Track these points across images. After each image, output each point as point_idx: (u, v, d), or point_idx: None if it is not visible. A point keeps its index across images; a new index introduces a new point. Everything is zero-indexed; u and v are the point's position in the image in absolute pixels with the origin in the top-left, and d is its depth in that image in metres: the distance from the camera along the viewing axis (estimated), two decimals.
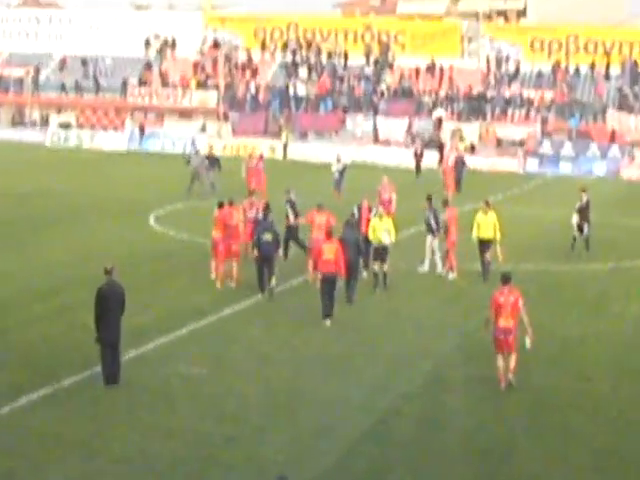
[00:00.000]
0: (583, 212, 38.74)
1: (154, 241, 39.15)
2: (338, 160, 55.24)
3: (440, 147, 72.37)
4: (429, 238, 34.42)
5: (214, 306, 28.73)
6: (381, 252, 31.29)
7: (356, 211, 33.67)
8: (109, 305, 21.27)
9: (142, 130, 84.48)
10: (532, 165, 76.38)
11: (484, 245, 32.94)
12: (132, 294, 22.70)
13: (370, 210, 33.73)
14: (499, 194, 57.30)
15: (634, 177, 73.42)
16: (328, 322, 27.62)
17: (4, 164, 66.25)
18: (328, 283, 27.79)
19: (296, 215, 35.24)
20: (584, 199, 39.09)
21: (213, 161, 54.90)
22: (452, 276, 33.75)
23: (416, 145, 63.14)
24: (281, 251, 32.12)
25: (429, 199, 35.04)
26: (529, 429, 19.99)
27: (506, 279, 22.77)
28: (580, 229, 38.59)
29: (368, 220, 32.97)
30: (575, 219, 38.57)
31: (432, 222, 34.08)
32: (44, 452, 17.74)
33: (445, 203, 35.18)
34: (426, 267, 34.12)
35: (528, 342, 22.38)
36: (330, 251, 27.96)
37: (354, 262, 29.22)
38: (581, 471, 17.99)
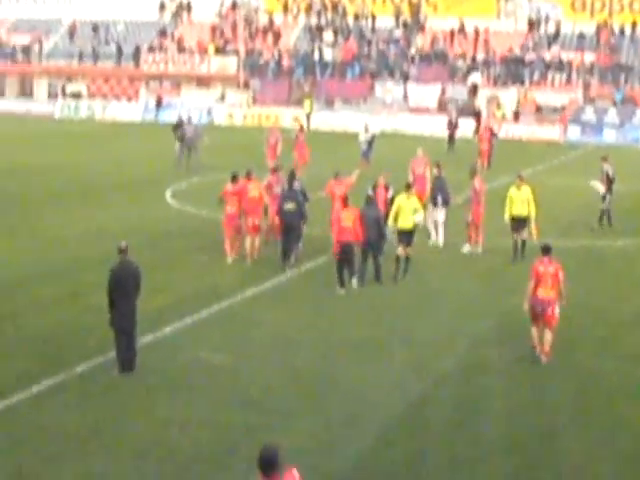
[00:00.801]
0: (608, 183, 38.84)
1: (171, 218, 39.21)
2: (366, 129, 55.35)
3: (477, 115, 72.32)
4: (434, 210, 34.74)
5: (235, 287, 28.74)
6: (407, 235, 30.06)
7: (371, 191, 32.25)
8: (123, 287, 21.19)
9: (159, 102, 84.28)
10: (574, 133, 76.28)
11: (518, 223, 32.18)
12: (148, 275, 22.72)
13: (387, 189, 32.88)
14: (539, 165, 57.29)
15: None
16: (343, 291, 28.53)
17: (11, 138, 66.50)
18: (345, 252, 28.33)
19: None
20: (610, 170, 39.02)
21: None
22: (478, 249, 33.98)
23: (450, 114, 62.41)
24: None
25: (438, 166, 35.56)
26: (573, 415, 20.00)
27: (547, 249, 23.23)
28: (603, 198, 38.69)
29: (385, 202, 32.07)
30: (598, 185, 38.92)
31: (438, 193, 34.54)
32: (55, 445, 17.73)
33: (474, 172, 34.75)
34: (433, 239, 33.98)
35: (557, 310, 22.64)
36: (348, 218, 28.49)
37: (376, 240, 29.08)
38: (630, 461, 17.97)
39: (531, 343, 23.10)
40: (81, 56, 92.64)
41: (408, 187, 30.87)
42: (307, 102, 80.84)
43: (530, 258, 28.25)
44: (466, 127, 69.97)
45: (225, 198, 32.25)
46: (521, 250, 32.13)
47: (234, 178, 32.40)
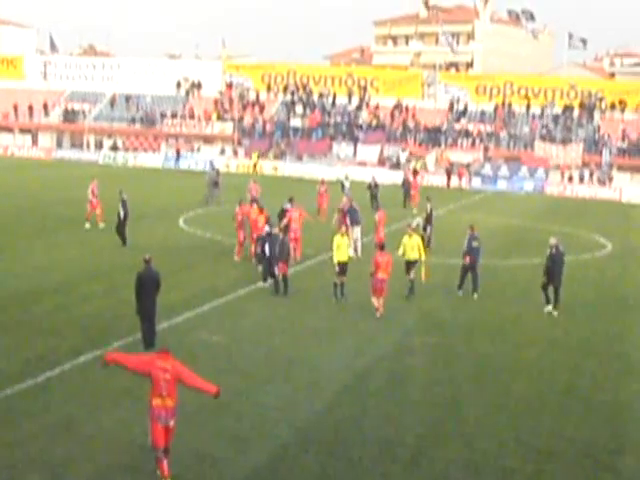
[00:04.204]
0: (428, 217, 38.69)
1: (183, 238, 39.11)
2: (346, 178, 55.46)
3: (414, 173, 69.89)
4: (355, 229, 35.64)
5: (229, 288, 28.70)
6: (344, 266, 27.78)
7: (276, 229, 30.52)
8: (146, 286, 21.30)
9: (178, 153, 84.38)
10: (476, 183, 76.53)
11: (409, 264, 28.47)
12: (166, 278, 22.67)
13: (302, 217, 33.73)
14: (451, 205, 57.52)
15: (555, 193, 73.84)
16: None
17: (66, 178, 66.28)
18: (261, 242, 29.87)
19: (125, 212, 35.99)
20: (428, 208, 39.01)
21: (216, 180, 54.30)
22: None
23: (371, 181, 58.37)
24: None
25: (351, 202, 37.43)
26: (473, 385, 20.08)
27: (382, 246, 26.54)
28: (424, 229, 37.97)
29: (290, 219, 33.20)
30: (418, 221, 37.86)
31: (350, 217, 35.77)
32: (97, 400, 17.73)
33: (376, 208, 37.07)
34: (351, 252, 31.03)
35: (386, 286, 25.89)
36: (261, 220, 31.41)
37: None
38: (512, 417, 18.10)
39: (374, 307, 25.70)
40: (118, 119, 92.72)
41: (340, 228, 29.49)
42: (254, 155, 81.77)
43: (449, 279, 28.47)
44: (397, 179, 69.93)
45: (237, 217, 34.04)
46: (410, 287, 28.62)
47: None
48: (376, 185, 54.51)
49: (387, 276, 25.74)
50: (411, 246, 28.30)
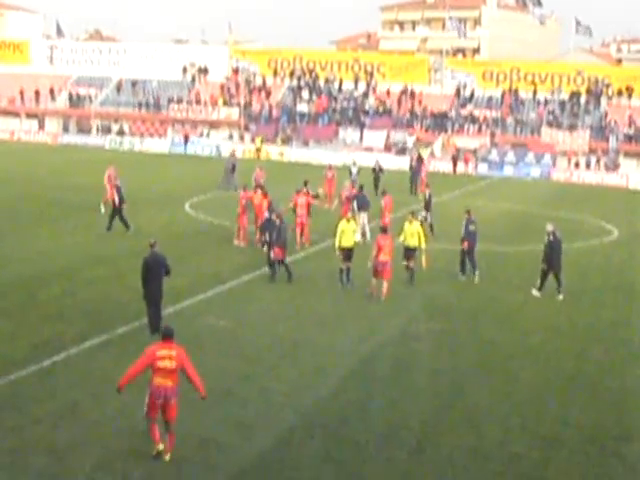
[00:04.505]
0: (427, 204, 38.56)
1: (188, 223, 39.05)
2: (354, 164, 54.73)
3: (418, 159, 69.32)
4: (362, 215, 35.84)
5: (235, 273, 28.67)
6: (349, 252, 27.48)
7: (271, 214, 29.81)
8: (152, 271, 21.22)
9: (186, 138, 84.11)
10: (483, 169, 76.26)
11: (409, 252, 28.17)
12: (170, 263, 22.61)
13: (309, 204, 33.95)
14: (457, 190, 57.43)
15: (562, 179, 73.64)
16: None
17: (74, 163, 66.27)
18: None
19: (120, 198, 35.41)
20: (427, 193, 39.01)
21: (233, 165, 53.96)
22: None
23: (375, 165, 58.33)
24: None
25: (361, 188, 37.65)
26: (478, 371, 20.04)
27: (385, 229, 26.95)
28: (425, 218, 37.47)
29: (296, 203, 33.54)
30: (423, 215, 37.40)
31: (356, 204, 35.96)
32: (102, 386, 17.63)
33: (383, 193, 38.10)
34: (358, 237, 31.96)
35: (389, 268, 26.09)
36: (265, 206, 31.66)
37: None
38: (518, 403, 18.06)
39: (370, 289, 26.06)
40: (125, 104, 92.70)
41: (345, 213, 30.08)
42: (258, 139, 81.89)
43: (453, 265, 28.41)
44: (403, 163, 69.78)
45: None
46: (410, 276, 28.37)
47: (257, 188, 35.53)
48: (381, 169, 54.63)
49: (389, 258, 25.82)
50: (411, 233, 27.96)
